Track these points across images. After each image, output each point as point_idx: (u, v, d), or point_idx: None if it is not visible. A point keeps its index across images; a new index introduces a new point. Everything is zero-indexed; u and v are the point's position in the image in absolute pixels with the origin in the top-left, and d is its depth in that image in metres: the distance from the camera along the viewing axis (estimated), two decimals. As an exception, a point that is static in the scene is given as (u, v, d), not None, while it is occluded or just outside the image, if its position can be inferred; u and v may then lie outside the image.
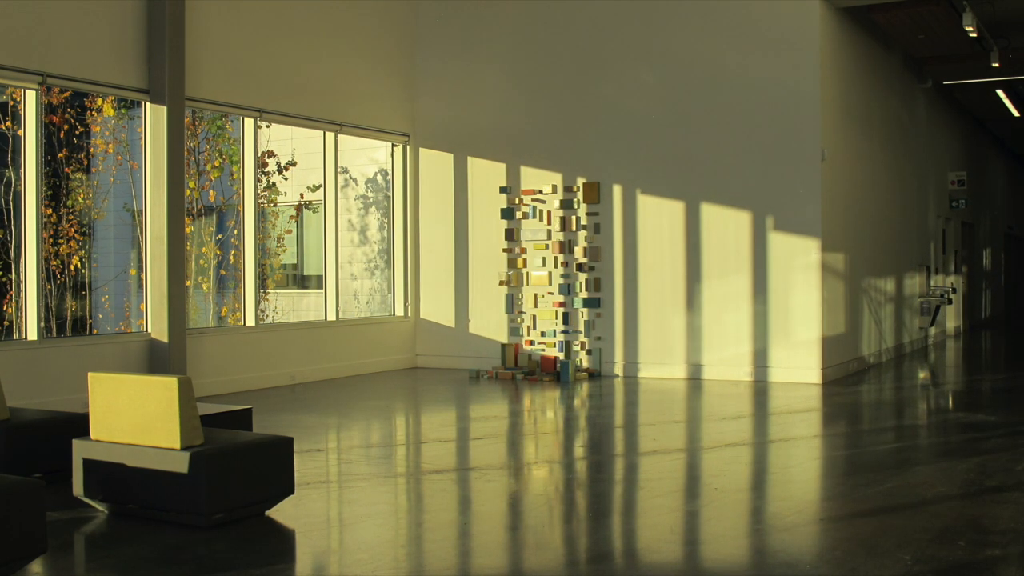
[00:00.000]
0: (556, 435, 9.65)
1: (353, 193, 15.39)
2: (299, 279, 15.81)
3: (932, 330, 18.25)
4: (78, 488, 6.12)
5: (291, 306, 15.50)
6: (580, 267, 13.54)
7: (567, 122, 13.79)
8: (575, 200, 13.56)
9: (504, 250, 13.97)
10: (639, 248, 13.29)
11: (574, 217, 13.60)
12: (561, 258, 13.66)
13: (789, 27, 12.57)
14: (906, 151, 17.18)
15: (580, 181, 13.58)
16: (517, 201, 13.94)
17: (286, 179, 15.18)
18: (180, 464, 5.72)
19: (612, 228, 13.43)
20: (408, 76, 14.76)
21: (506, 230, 13.94)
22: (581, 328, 13.55)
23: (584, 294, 13.48)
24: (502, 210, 13.95)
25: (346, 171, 14.95)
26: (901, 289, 16.55)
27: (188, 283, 11.68)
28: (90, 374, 6.15)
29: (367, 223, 15.34)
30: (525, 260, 13.91)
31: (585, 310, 13.51)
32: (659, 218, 13.18)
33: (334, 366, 13.42)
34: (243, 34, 12.27)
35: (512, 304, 13.87)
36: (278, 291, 15.26)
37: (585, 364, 13.43)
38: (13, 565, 4.84)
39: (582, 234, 13.54)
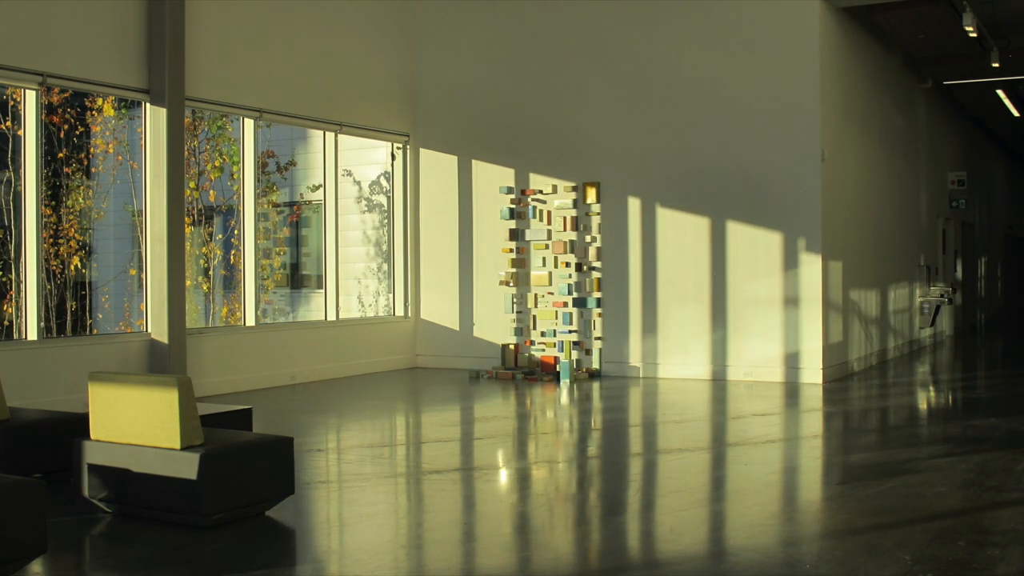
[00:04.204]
0: (556, 435, 9.65)
1: (358, 197, 15.35)
2: (299, 279, 15.80)
3: (932, 330, 18.25)
4: (78, 488, 6.12)
5: (292, 306, 15.50)
6: (580, 267, 13.52)
7: (569, 124, 13.78)
8: (575, 200, 13.55)
9: (508, 250, 13.95)
10: (632, 248, 13.29)
11: (577, 217, 13.60)
12: (564, 258, 13.63)
13: (789, 27, 12.57)
14: (906, 151, 17.18)
15: (582, 182, 13.59)
16: (519, 202, 13.93)
17: (285, 179, 15.18)
18: (180, 464, 5.72)
19: (612, 228, 13.43)
20: (408, 76, 14.76)
21: (510, 230, 13.93)
22: (582, 328, 13.54)
23: (598, 293, 13.47)
24: (509, 210, 13.89)
25: (349, 173, 14.95)
26: (901, 289, 16.55)
27: (188, 283, 11.68)
28: (90, 374, 6.15)
29: (373, 226, 15.31)
30: (525, 260, 13.91)
31: (587, 310, 13.52)
32: (655, 219, 13.18)
33: (334, 366, 13.42)
34: (243, 34, 12.27)
35: (513, 304, 13.86)
36: (279, 291, 15.25)
37: (595, 364, 13.40)
38: (13, 565, 4.84)
39: (594, 234, 13.49)
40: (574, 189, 13.59)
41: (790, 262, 12.48)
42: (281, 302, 15.29)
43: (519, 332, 13.83)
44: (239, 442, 6.05)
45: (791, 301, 12.48)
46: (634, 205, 13.34)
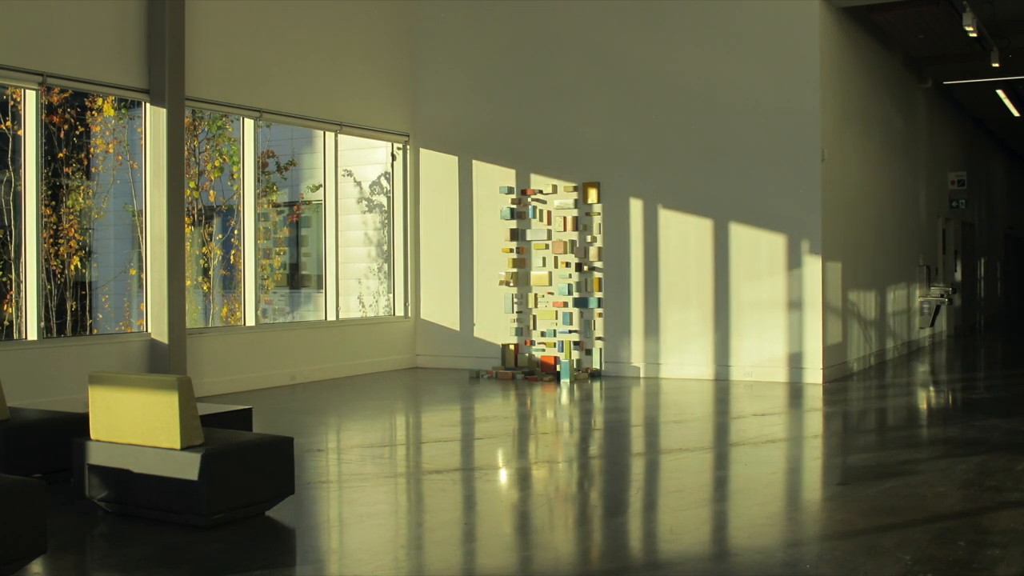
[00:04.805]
0: (557, 435, 9.65)
1: (359, 197, 15.34)
2: (299, 279, 15.79)
3: (931, 331, 18.24)
4: (78, 488, 6.12)
5: (292, 306, 15.48)
6: (579, 267, 13.52)
7: (569, 124, 13.77)
8: (576, 200, 13.54)
9: (508, 250, 13.94)
10: (633, 248, 13.29)
11: (578, 217, 13.59)
12: (564, 258, 13.62)
13: (789, 27, 12.56)
14: (906, 151, 17.18)
15: (582, 183, 13.59)
16: (519, 202, 13.93)
17: (285, 179, 15.17)
18: (180, 464, 5.72)
19: (613, 228, 13.42)
20: (408, 76, 14.75)
21: (510, 230, 13.92)
22: (582, 327, 13.53)
23: (599, 293, 13.46)
24: (509, 210, 13.86)
25: (350, 173, 14.93)
26: (900, 290, 16.55)
27: (188, 283, 11.68)
28: (90, 375, 6.15)
29: (374, 226, 15.31)
30: (526, 260, 13.91)
31: (586, 309, 13.51)
32: (656, 220, 13.18)
33: (334, 366, 13.42)
34: (243, 34, 12.27)
35: (513, 304, 13.85)
36: (279, 291, 15.24)
37: (596, 364, 13.39)
38: (13, 565, 4.84)
39: (595, 234, 13.47)
40: (575, 189, 13.59)
41: (790, 262, 12.48)
42: (281, 302, 15.28)
43: (519, 332, 13.83)
44: (239, 442, 6.05)
45: (791, 302, 12.47)
46: (635, 206, 13.33)
